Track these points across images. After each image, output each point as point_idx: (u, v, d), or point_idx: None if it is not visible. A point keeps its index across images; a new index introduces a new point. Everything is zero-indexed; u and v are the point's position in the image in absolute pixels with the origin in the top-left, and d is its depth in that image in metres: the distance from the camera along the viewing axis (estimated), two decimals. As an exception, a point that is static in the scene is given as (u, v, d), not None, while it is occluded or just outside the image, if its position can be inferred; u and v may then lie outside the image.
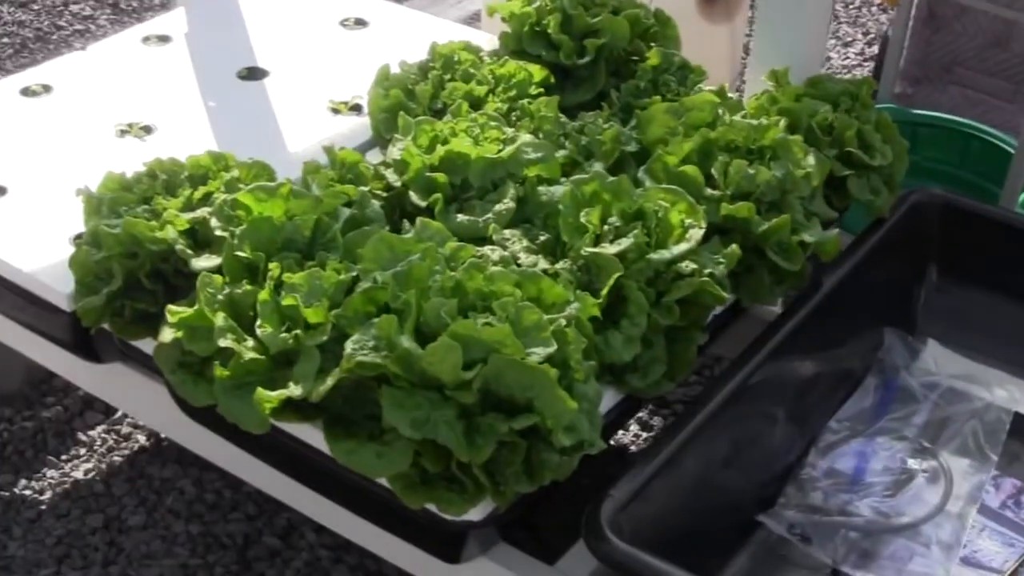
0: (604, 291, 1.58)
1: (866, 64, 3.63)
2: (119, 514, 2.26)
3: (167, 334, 1.60)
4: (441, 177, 1.71)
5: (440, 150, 1.74)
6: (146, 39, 2.44)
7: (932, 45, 3.01)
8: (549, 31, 2.13)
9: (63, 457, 2.36)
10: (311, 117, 2.20)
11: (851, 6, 3.93)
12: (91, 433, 2.43)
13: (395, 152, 1.77)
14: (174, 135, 2.15)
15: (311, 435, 1.57)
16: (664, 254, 1.61)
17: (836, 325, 1.94)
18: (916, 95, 3.03)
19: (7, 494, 2.28)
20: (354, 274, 1.57)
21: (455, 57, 2.07)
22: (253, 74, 2.33)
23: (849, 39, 3.78)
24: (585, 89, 2.14)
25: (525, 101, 1.99)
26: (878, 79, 2.71)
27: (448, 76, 2.05)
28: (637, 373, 1.62)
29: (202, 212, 1.68)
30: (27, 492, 2.29)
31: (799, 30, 2.20)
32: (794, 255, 1.76)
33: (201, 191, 1.73)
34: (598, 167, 1.85)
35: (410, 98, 2.02)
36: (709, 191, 1.77)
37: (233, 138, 2.14)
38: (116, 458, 2.37)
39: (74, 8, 3.84)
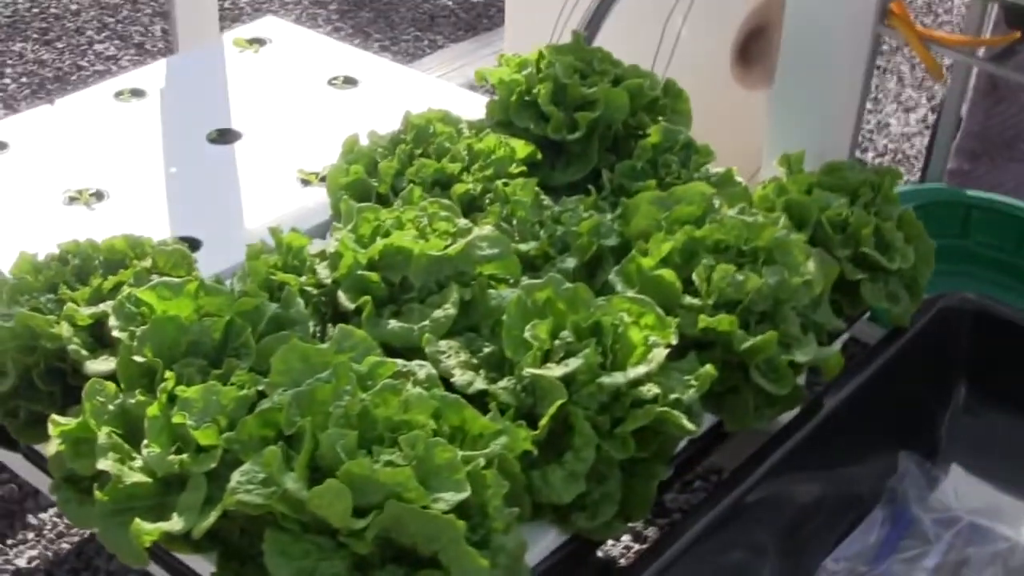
0: (544, 420, 1.36)
1: (928, 133, 3.37)
2: (57, 611, 2.08)
3: (52, 446, 1.41)
4: (373, 276, 1.51)
5: (378, 244, 1.53)
6: (119, 94, 2.26)
7: (993, 118, 2.75)
8: (539, 101, 1.92)
9: (8, 541, 2.18)
10: (279, 187, 2.01)
11: (918, 67, 3.66)
12: (42, 516, 2.25)
13: (331, 243, 1.57)
14: (126, 203, 1.97)
15: (203, 566, 1.36)
16: (618, 377, 1.39)
17: (843, 446, 1.71)
18: (973, 172, 2.77)
19: (-56, 580, 2.10)
20: (261, 388, 1.36)
21: (430, 128, 1.87)
22: (224, 137, 2.14)
23: (912, 104, 3.53)
24: (576, 168, 1.92)
25: (501, 182, 1.78)
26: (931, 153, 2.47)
27: (420, 150, 1.84)
28: (584, 512, 1.39)
29: (106, 307, 1.49)
30: (-35, 581, 2.11)
31: (822, 104, 1.97)
32: (783, 377, 1.53)
33: (111, 281, 1.54)
34: (570, 263, 1.64)
35: (373, 175, 1.81)
36: (688, 299, 1.55)
37: (190, 209, 1.96)
38: (64, 545, 2.19)
39: (98, 48, 3.70)
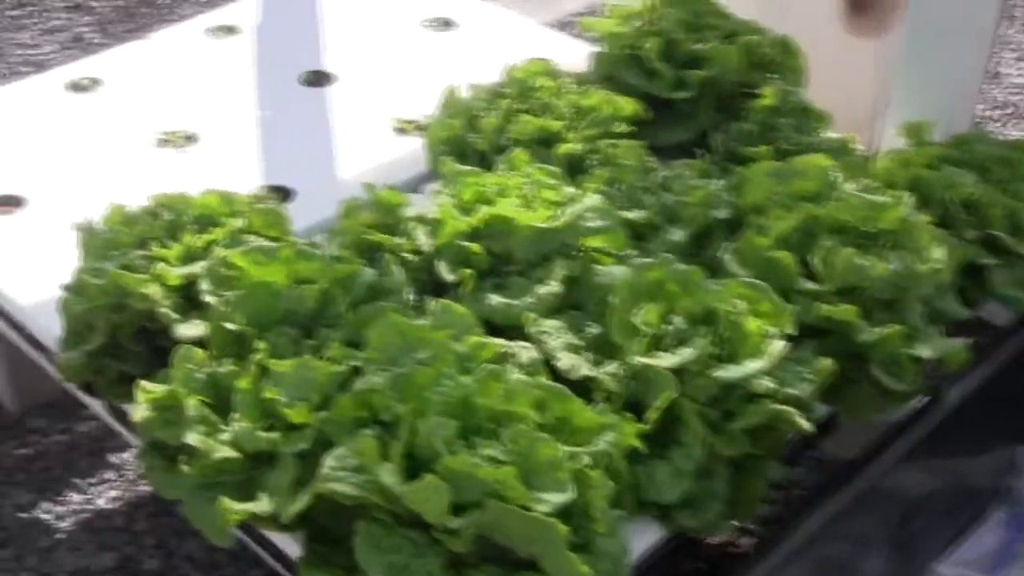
0: (653, 413, 1.28)
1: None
2: (135, 554, 2.03)
3: (139, 412, 1.35)
4: (476, 248, 1.43)
5: (482, 212, 1.45)
6: (211, 30, 2.19)
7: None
8: (647, 57, 1.83)
9: (90, 480, 2.15)
10: (373, 135, 1.94)
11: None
12: (123, 456, 2.21)
13: (431, 207, 1.50)
14: (217, 147, 1.90)
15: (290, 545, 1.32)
16: (733, 371, 1.31)
17: (959, 439, 1.63)
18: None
19: (26, 516, 2.07)
20: (356, 364, 1.30)
21: (531, 83, 1.78)
22: (317, 79, 2.07)
23: (1029, 52, 3.36)
24: (684, 127, 1.84)
25: (607, 143, 1.69)
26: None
27: (521, 106, 1.76)
28: (689, 510, 1.32)
29: (198, 267, 1.43)
30: (47, 516, 2.08)
31: (952, 61, 1.86)
32: (905, 372, 1.44)
33: (203, 239, 1.47)
34: (679, 235, 1.56)
35: (473, 130, 1.73)
36: (806, 284, 1.46)
37: (281, 155, 1.89)
38: (143, 488, 2.14)
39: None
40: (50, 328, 1.54)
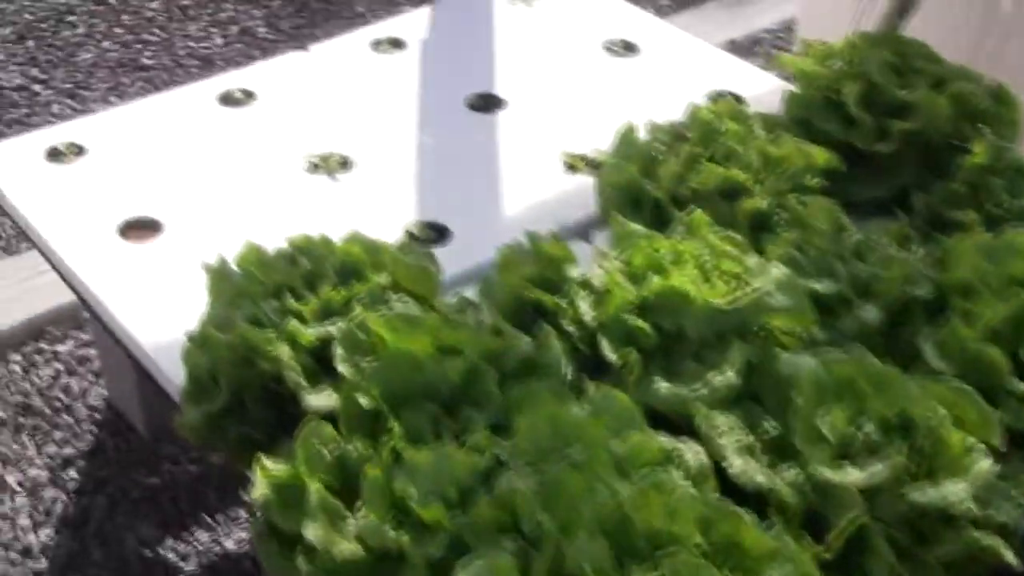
0: (835, 536, 1.11)
1: None
2: (260, 606, 1.93)
3: (257, 490, 1.23)
4: (644, 326, 1.28)
5: (653, 283, 1.30)
6: (377, 43, 2.06)
7: None
8: (846, 102, 1.65)
9: (218, 517, 2.05)
10: (541, 169, 1.79)
11: None
12: (258, 491, 2.09)
13: (598, 272, 1.34)
14: (372, 176, 1.77)
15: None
16: (931, 494, 1.13)
17: None
18: None
19: (150, 554, 1.98)
20: (500, 455, 1.16)
21: (717, 126, 1.61)
22: (485, 104, 1.93)
23: None
24: (883, 183, 1.66)
25: (796, 198, 1.52)
26: None
27: (704, 152, 1.59)
28: (869, 645, 1.15)
29: (334, 328, 1.30)
30: (170, 555, 1.98)
31: None
32: None
33: (342, 294, 1.34)
34: (872, 314, 1.38)
35: (650, 176, 1.57)
36: (1018, 385, 1.27)
37: (440, 188, 1.75)
38: (278, 527, 2.03)
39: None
40: (175, 375, 1.42)
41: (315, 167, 1.79)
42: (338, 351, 1.26)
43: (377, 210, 1.70)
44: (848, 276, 1.43)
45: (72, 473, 2.12)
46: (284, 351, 1.28)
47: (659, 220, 1.54)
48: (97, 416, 2.21)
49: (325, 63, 2.02)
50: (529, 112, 1.90)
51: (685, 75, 1.96)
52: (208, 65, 3.15)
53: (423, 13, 2.14)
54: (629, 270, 1.34)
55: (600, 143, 1.81)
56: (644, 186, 1.56)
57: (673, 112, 1.80)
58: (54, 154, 1.83)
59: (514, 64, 2.01)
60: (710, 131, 1.62)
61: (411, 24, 2.11)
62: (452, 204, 1.72)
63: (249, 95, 1.94)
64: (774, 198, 1.54)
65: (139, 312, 1.54)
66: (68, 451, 2.16)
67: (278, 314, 1.34)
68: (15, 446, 2.15)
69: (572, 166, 1.79)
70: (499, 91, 1.94)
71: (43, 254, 1.70)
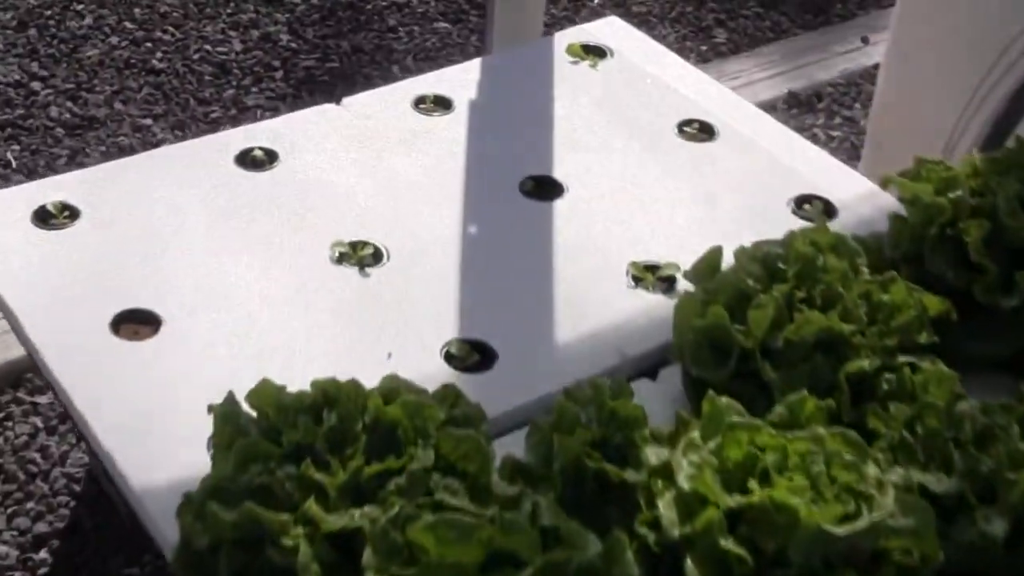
0: None
1: None
2: None
3: None
4: (741, 553, 1.04)
5: (755, 494, 1.06)
6: (420, 101, 1.82)
7: None
8: (966, 241, 1.42)
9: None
10: (603, 279, 1.56)
11: None
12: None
13: (683, 464, 1.11)
14: (406, 272, 1.54)
15: None
16: None
17: None
18: None
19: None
20: None
21: (817, 261, 1.38)
22: (541, 189, 1.69)
23: None
24: (1003, 340, 1.43)
25: (907, 365, 1.29)
26: None
27: (803, 292, 1.36)
28: None
29: (364, 520, 1.06)
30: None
31: None
32: None
33: (375, 467, 1.11)
34: (997, 526, 1.15)
35: (738, 317, 1.34)
36: None
37: (486, 297, 1.52)
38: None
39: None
40: (166, 529, 1.19)
41: (342, 257, 1.55)
42: (370, 558, 1.02)
43: (412, 317, 1.47)
44: (966, 470, 1.20)
45: (43, 554, 1.89)
46: (303, 543, 1.05)
47: (746, 375, 1.32)
48: (75, 487, 1.98)
49: (359, 121, 1.77)
50: (591, 203, 1.66)
51: (769, 169, 1.72)
52: (223, 74, 2.91)
53: (473, 67, 1.90)
54: (722, 466, 1.11)
55: (671, 250, 1.58)
56: (732, 332, 1.33)
57: (755, 215, 1.62)
58: (42, 216, 1.58)
59: (575, 139, 1.77)
60: (809, 266, 1.38)
61: (459, 80, 1.86)
62: (499, 318, 1.48)
63: (271, 156, 1.70)
64: (880, 357, 1.31)
65: (126, 441, 1.31)
66: (41, 527, 1.92)
67: (296, 485, 1.11)
68: (-20, 514, 1.92)
69: (639, 279, 1.55)
70: (558, 173, 1.70)
71: (18, 337, 1.47)
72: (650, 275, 1.55)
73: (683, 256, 1.53)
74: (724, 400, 1.17)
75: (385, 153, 1.72)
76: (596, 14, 3.12)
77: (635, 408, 1.21)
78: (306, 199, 1.64)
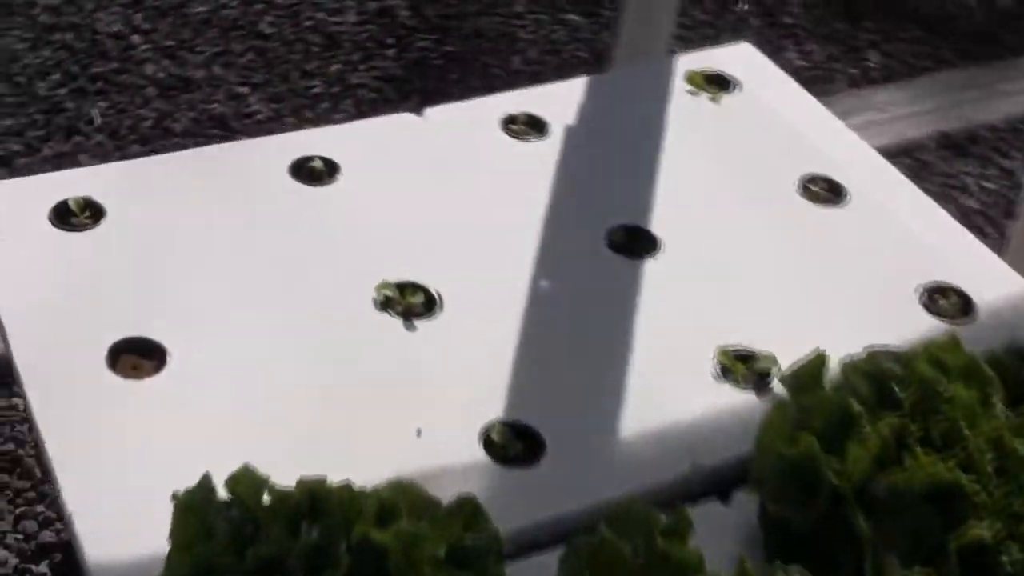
0: None
1: None
2: None
3: None
4: None
5: None
6: (510, 120, 1.60)
7: None
8: None
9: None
10: (683, 364, 1.32)
11: None
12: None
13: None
14: (457, 330, 1.32)
15: None
16: None
17: None
18: None
19: None
20: None
21: (938, 386, 1.14)
22: (631, 243, 1.46)
23: None
24: None
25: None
26: None
27: (916, 425, 1.11)
28: None
29: None
30: None
31: None
32: None
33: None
34: None
35: (835, 449, 1.10)
36: None
37: (543, 368, 1.30)
38: None
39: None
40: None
41: (387, 303, 1.33)
42: None
43: (453, 386, 1.26)
44: None
45: (43, 567, 1.72)
46: None
47: (835, 520, 1.08)
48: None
49: (437, 139, 1.56)
50: (686, 267, 1.43)
51: (901, 248, 1.48)
52: (332, 46, 2.71)
53: (577, 86, 1.67)
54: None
55: (771, 337, 1.34)
56: (824, 469, 1.09)
57: (878, 306, 1.39)
58: (62, 213, 1.39)
59: (680, 186, 1.53)
60: (930, 395, 1.14)
61: (559, 99, 1.64)
62: (553, 398, 1.27)
63: (331, 169, 1.49)
64: (1006, 524, 1.07)
65: (96, 500, 1.12)
66: (47, 536, 1.76)
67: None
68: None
69: (727, 370, 1.31)
70: (654, 226, 1.47)
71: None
72: (741, 366, 1.32)
73: (784, 347, 1.30)
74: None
75: (460, 179, 1.51)
76: (740, 21, 2.87)
77: (692, 554, 1.00)
78: (359, 224, 1.43)
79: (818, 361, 1.19)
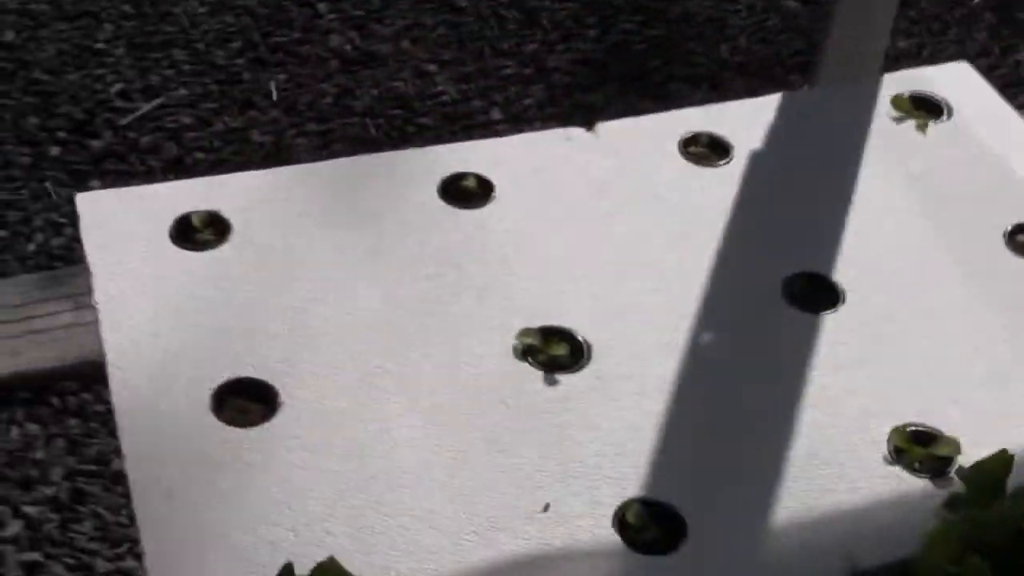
0: None
1: None
2: None
3: None
4: None
5: None
6: (692, 140, 1.45)
7: None
8: None
9: None
10: (849, 443, 1.17)
11: None
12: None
13: None
14: (603, 388, 1.19)
15: None
16: None
17: None
18: None
19: None
20: None
21: None
22: (811, 292, 1.31)
23: None
24: None
25: None
26: None
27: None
28: None
29: None
30: None
31: None
32: None
33: None
34: None
35: (1011, 570, 0.95)
36: None
37: (691, 431, 1.17)
38: None
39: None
40: None
41: (528, 352, 1.21)
42: None
43: (591, 455, 1.13)
44: None
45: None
46: None
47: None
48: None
49: (606, 159, 1.43)
50: (868, 326, 1.27)
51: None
52: (530, 24, 2.59)
53: (768, 105, 1.51)
54: None
55: (956, 418, 1.18)
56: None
57: None
58: (183, 229, 1.31)
59: (872, 229, 1.37)
60: None
61: (747, 119, 1.49)
62: (700, 478, 1.13)
63: (485, 189, 1.37)
64: None
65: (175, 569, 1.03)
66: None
67: None
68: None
69: (900, 451, 1.16)
70: (838, 274, 1.31)
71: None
72: (918, 449, 1.16)
73: (970, 431, 1.14)
74: None
75: (625, 209, 1.37)
76: (972, 15, 2.64)
77: None
78: (507, 257, 1.31)
79: (1002, 461, 1.03)
